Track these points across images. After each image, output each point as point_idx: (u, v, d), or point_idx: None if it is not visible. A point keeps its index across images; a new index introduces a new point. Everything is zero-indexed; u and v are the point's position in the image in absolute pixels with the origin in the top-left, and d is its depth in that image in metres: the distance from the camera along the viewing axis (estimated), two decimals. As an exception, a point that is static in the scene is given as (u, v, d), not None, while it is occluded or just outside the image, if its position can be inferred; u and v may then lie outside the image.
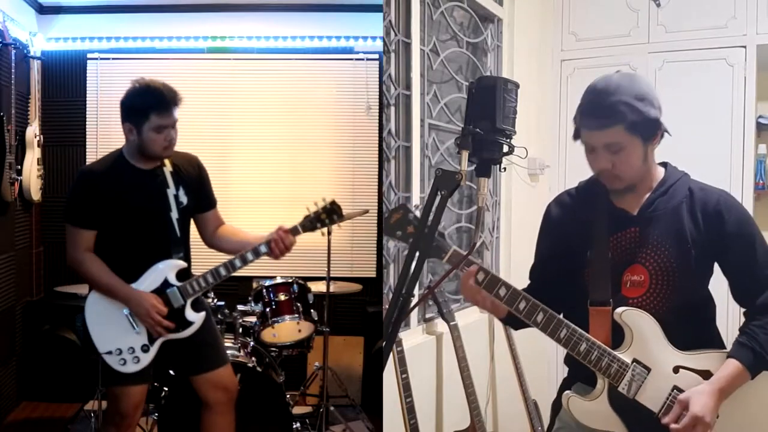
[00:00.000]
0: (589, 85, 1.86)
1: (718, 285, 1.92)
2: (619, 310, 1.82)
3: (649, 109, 1.79)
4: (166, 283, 2.53)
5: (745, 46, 3.92)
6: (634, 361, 1.80)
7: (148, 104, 2.45)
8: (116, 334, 2.49)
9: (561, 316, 1.83)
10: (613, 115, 1.77)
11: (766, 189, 4.15)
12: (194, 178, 2.66)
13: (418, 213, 1.90)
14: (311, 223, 2.59)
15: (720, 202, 1.85)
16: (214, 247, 2.76)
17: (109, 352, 2.48)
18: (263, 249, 2.54)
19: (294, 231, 2.57)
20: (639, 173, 1.86)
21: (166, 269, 2.54)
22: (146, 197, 2.54)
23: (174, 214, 2.58)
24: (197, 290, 2.54)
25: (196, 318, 2.56)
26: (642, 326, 1.81)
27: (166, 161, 2.59)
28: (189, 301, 2.54)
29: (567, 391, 1.88)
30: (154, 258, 2.54)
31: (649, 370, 1.80)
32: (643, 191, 1.90)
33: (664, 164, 1.95)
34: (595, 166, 1.87)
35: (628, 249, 1.88)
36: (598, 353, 1.80)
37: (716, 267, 1.91)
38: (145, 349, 2.50)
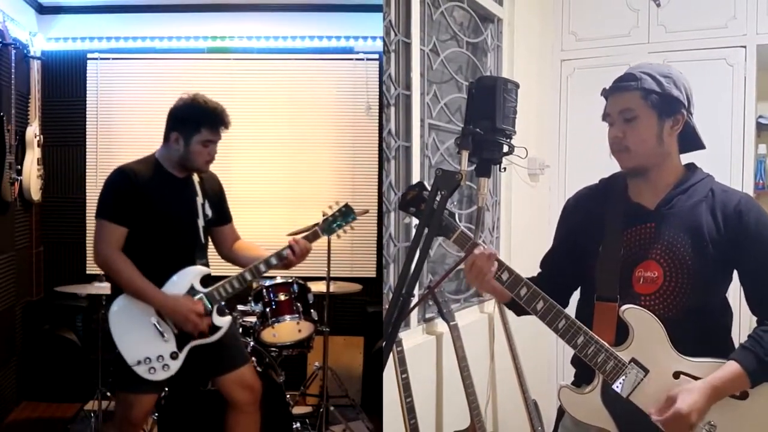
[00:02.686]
0: None
1: (732, 293, 1.87)
2: (624, 307, 1.78)
3: (670, 86, 1.79)
4: (192, 290, 2.54)
5: (745, 46, 3.92)
6: (633, 360, 1.76)
7: (202, 118, 2.52)
8: (145, 344, 2.48)
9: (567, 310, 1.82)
10: (631, 80, 1.79)
11: (766, 189, 4.15)
12: (216, 192, 2.73)
13: None
14: (329, 226, 2.70)
15: (741, 203, 1.80)
16: (231, 260, 2.79)
17: (139, 363, 2.46)
18: (285, 252, 2.59)
19: (313, 236, 2.64)
20: (651, 153, 1.82)
21: (192, 276, 2.56)
22: (178, 203, 2.59)
23: (200, 222, 2.63)
24: (224, 296, 2.57)
25: (223, 323, 2.59)
26: (645, 326, 1.77)
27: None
28: (216, 307, 2.56)
29: (562, 382, 1.87)
30: (179, 263, 2.56)
31: (647, 371, 1.76)
32: (661, 186, 1.86)
33: (689, 165, 1.91)
34: (610, 136, 1.86)
35: (642, 244, 1.83)
36: (596, 348, 1.77)
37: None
38: (174, 356, 2.50)
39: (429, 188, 1.83)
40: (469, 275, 1.83)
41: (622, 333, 1.80)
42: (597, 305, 1.84)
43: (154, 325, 2.49)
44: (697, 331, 1.78)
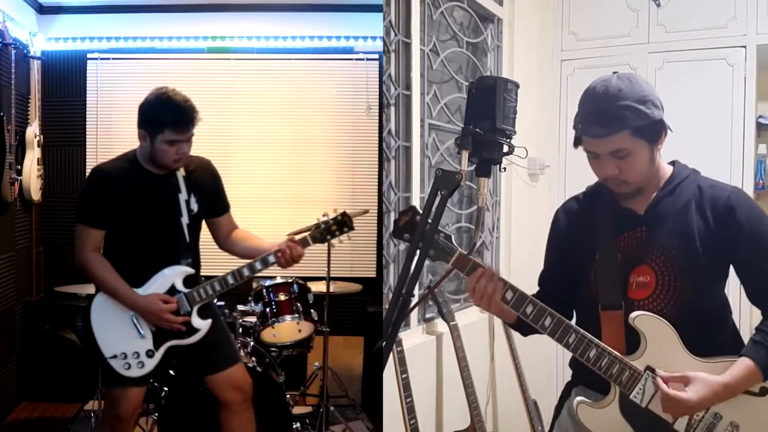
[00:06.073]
0: (586, 89, 1.79)
1: (733, 286, 1.87)
2: (633, 315, 1.75)
3: (653, 111, 1.73)
4: (173, 289, 2.52)
5: (745, 46, 3.92)
6: (648, 368, 1.73)
7: (165, 118, 2.44)
8: (121, 339, 2.49)
9: (572, 321, 1.80)
10: (618, 121, 1.71)
11: (766, 189, 4.15)
12: (207, 184, 2.66)
13: None
14: (321, 234, 2.58)
15: (731, 198, 1.77)
16: (227, 250, 2.76)
17: (114, 356, 2.47)
18: (272, 259, 2.52)
19: (304, 243, 2.55)
20: (646, 176, 1.81)
21: (174, 275, 2.54)
22: (158, 202, 2.54)
23: (185, 220, 2.58)
24: (204, 298, 2.53)
25: (202, 325, 2.56)
26: (657, 332, 1.74)
27: None
28: (195, 308, 2.53)
29: (578, 398, 1.83)
30: (162, 262, 2.54)
31: None
32: (650, 191, 1.84)
33: (673, 163, 1.90)
34: (601, 173, 1.81)
35: (636, 249, 1.82)
36: (609, 360, 1.74)
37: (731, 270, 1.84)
38: (150, 354, 2.50)
39: (421, 211, 1.79)
40: (476, 297, 1.80)
41: (630, 339, 1.77)
42: (603, 314, 1.82)
43: (133, 321, 2.49)
44: (697, 330, 1.77)
